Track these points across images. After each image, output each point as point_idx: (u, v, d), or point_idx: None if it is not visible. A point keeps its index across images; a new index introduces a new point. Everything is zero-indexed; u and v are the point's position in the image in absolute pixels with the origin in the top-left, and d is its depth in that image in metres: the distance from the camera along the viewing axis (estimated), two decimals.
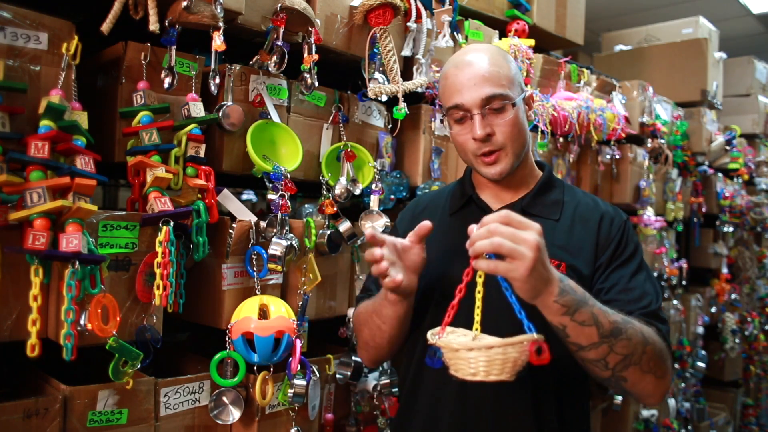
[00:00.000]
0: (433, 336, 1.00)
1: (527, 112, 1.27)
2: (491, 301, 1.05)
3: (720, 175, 3.76)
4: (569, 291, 0.98)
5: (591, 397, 2.73)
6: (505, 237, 0.91)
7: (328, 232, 1.65)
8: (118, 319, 1.22)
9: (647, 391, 1.08)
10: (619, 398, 2.84)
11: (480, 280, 0.97)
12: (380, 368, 1.75)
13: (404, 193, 1.92)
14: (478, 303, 0.98)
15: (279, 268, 1.47)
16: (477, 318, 0.99)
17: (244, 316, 1.40)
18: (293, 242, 1.51)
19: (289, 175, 1.54)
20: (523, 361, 0.93)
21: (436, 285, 1.22)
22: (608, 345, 1.01)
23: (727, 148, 3.74)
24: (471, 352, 0.92)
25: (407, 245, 1.12)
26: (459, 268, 1.00)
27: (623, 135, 2.63)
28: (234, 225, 1.44)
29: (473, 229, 0.95)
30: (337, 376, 1.70)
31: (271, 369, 1.45)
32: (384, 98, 1.74)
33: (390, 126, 1.93)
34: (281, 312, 1.43)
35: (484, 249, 0.92)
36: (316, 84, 1.60)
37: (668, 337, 1.13)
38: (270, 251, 1.46)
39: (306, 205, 1.81)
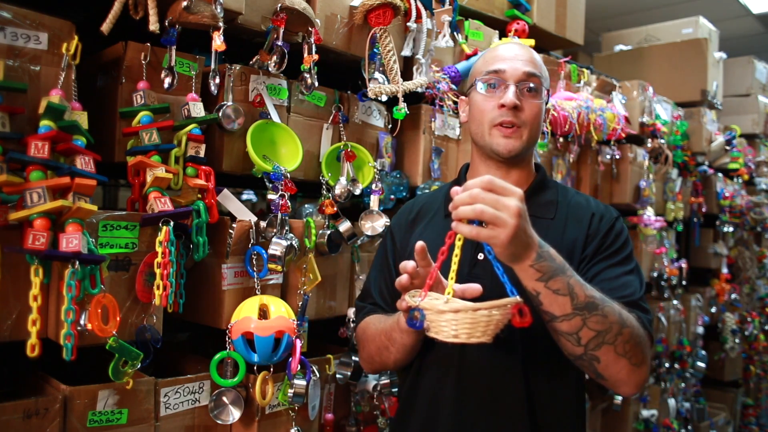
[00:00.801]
0: (413, 298, 1.00)
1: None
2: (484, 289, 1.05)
3: (720, 175, 3.76)
4: (547, 258, 0.98)
5: (590, 397, 2.73)
6: (488, 203, 0.91)
7: (328, 232, 1.65)
8: (118, 319, 1.22)
9: (621, 378, 1.06)
10: (619, 398, 2.84)
11: (459, 243, 0.97)
12: None
13: (404, 193, 1.92)
14: (454, 267, 0.98)
15: (279, 268, 1.47)
16: (451, 282, 0.99)
17: (244, 316, 1.40)
18: (293, 242, 1.51)
19: (289, 175, 1.54)
20: (504, 324, 0.94)
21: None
22: (581, 318, 0.99)
23: (727, 148, 3.74)
24: (457, 314, 0.92)
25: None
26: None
27: (623, 135, 2.63)
28: (234, 225, 1.44)
29: (457, 191, 0.95)
30: (337, 376, 1.70)
31: (271, 369, 1.45)
32: (384, 98, 1.74)
33: (390, 126, 1.93)
34: (281, 312, 1.43)
35: (466, 215, 0.92)
36: (316, 84, 1.60)
37: (649, 326, 1.12)
38: (270, 251, 1.46)
39: (306, 205, 1.81)
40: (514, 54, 1.25)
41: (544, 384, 1.18)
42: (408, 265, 1.04)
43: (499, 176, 1.27)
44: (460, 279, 1.04)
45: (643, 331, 1.09)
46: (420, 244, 1.04)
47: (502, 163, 1.27)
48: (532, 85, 1.22)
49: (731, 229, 3.79)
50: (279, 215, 1.49)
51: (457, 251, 0.98)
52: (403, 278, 1.04)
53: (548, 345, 1.10)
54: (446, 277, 1.04)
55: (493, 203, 0.91)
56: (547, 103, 1.30)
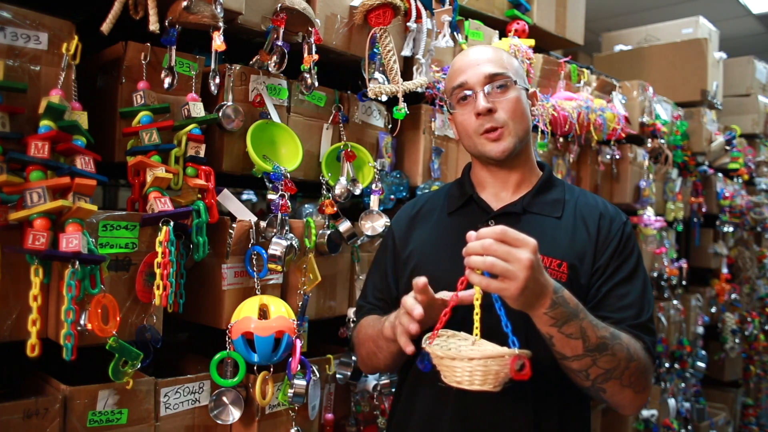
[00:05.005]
0: (425, 340, 1.02)
1: (530, 107, 1.29)
2: (491, 308, 1.05)
3: (720, 175, 3.76)
4: (561, 303, 0.99)
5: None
6: (499, 256, 0.91)
7: (328, 232, 1.65)
8: (118, 319, 1.22)
9: (624, 403, 1.10)
10: None
11: (478, 288, 0.98)
12: None
13: (404, 193, 1.92)
14: (477, 310, 1.00)
15: (279, 268, 1.47)
16: (477, 324, 1.01)
17: (244, 316, 1.40)
18: (293, 242, 1.51)
19: (289, 175, 1.54)
20: (506, 374, 0.94)
21: (437, 285, 1.21)
22: (592, 359, 1.02)
23: (727, 148, 3.74)
24: (454, 362, 0.95)
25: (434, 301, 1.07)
26: (458, 269, 1.00)
27: (623, 135, 2.63)
28: (234, 225, 1.44)
29: (472, 236, 0.95)
30: (337, 376, 1.70)
31: (271, 369, 1.45)
32: (384, 98, 1.73)
33: (390, 126, 1.93)
34: (281, 312, 1.43)
35: (477, 266, 0.93)
36: (316, 84, 1.60)
37: (654, 349, 1.15)
38: (270, 251, 1.46)
39: (306, 205, 1.81)
40: (472, 60, 1.23)
41: (552, 393, 1.17)
42: (419, 281, 1.02)
43: (501, 177, 1.27)
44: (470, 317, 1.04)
45: (649, 359, 1.11)
46: (422, 280, 1.02)
47: (501, 166, 1.26)
48: (499, 83, 1.21)
49: (731, 229, 3.78)
50: (279, 215, 1.49)
51: (477, 295, 0.99)
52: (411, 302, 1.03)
53: (559, 376, 1.12)
54: (463, 318, 1.06)
55: (505, 255, 0.91)
56: (528, 90, 1.28)
